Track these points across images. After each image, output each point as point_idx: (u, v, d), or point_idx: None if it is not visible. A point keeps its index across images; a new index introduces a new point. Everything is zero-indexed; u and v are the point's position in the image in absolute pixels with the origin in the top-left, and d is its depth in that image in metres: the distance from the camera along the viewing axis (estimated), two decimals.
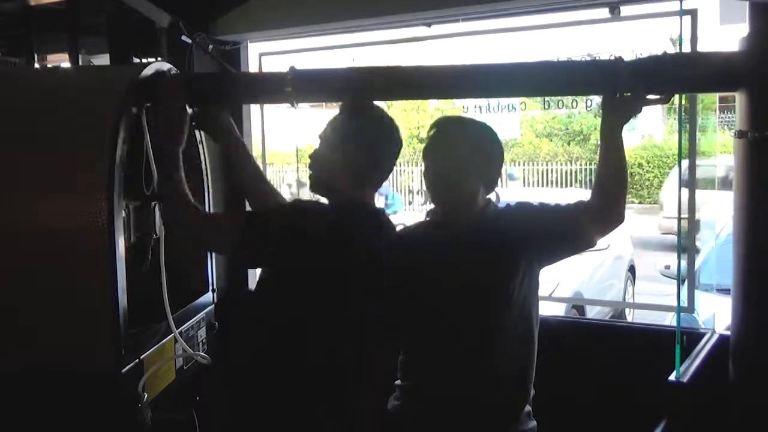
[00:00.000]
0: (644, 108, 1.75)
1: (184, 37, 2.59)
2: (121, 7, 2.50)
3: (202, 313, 2.33)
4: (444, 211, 1.85)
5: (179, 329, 2.10)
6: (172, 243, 2.14)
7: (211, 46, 2.69)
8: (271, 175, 13.65)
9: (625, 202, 1.77)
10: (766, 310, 1.79)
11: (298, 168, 4.66)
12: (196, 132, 2.32)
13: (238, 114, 3.21)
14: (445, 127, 1.86)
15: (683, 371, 1.83)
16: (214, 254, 2.42)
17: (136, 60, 2.63)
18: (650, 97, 1.73)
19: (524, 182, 12.86)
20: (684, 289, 2.48)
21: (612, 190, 1.74)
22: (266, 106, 3.27)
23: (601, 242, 6.01)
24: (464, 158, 1.78)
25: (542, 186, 12.74)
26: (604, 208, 1.75)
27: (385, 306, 1.75)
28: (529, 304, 1.81)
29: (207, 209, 2.39)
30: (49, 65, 3.30)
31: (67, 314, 1.82)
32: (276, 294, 1.70)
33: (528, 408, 1.84)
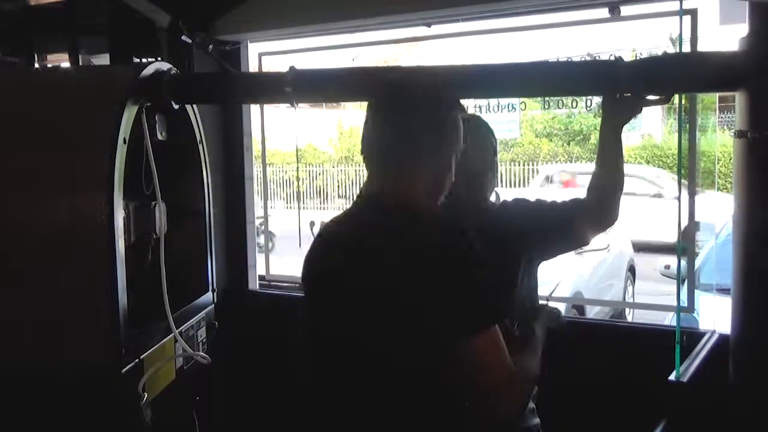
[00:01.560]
0: (644, 108, 1.75)
1: (184, 37, 2.58)
2: (121, 7, 2.50)
3: (202, 313, 2.33)
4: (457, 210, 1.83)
5: (179, 329, 2.10)
6: (172, 243, 2.14)
7: (211, 46, 2.69)
8: (271, 175, 13.66)
9: (620, 202, 1.77)
10: (766, 310, 1.79)
11: (297, 168, 4.66)
12: (196, 132, 2.33)
13: (238, 114, 3.22)
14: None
15: (683, 371, 1.83)
16: (213, 254, 2.42)
17: (136, 60, 2.62)
18: (650, 97, 1.74)
19: (524, 182, 12.86)
20: (684, 289, 2.48)
21: (608, 190, 1.74)
22: (266, 106, 3.27)
23: (601, 242, 5.98)
24: (482, 159, 1.78)
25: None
26: (600, 208, 1.75)
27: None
28: (531, 299, 1.81)
29: (207, 209, 2.40)
30: (49, 65, 3.30)
31: (67, 314, 1.82)
32: None
33: (532, 405, 1.84)
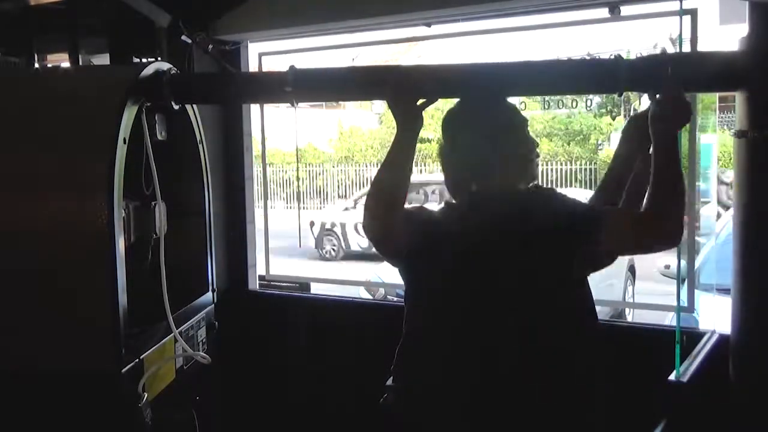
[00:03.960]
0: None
1: (184, 37, 2.59)
2: (121, 7, 2.50)
3: (202, 313, 2.33)
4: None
5: (179, 329, 2.10)
6: (172, 243, 2.14)
7: (211, 46, 2.69)
8: (271, 175, 13.66)
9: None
10: (766, 310, 1.79)
11: (297, 168, 4.66)
12: (196, 132, 2.33)
13: (238, 114, 3.21)
14: None
15: (683, 371, 1.83)
16: (213, 254, 2.42)
17: (136, 60, 2.62)
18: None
19: None
20: (684, 288, 2.48)
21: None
22: (266, 106, 3.27)
23: None
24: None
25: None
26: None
27: None
28: None
29: (207, 209, 2.39)
30: (49, 65, 3.30)
31: (67, 314, 1.82)
32: None
33: None
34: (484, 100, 1.77)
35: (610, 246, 1.61)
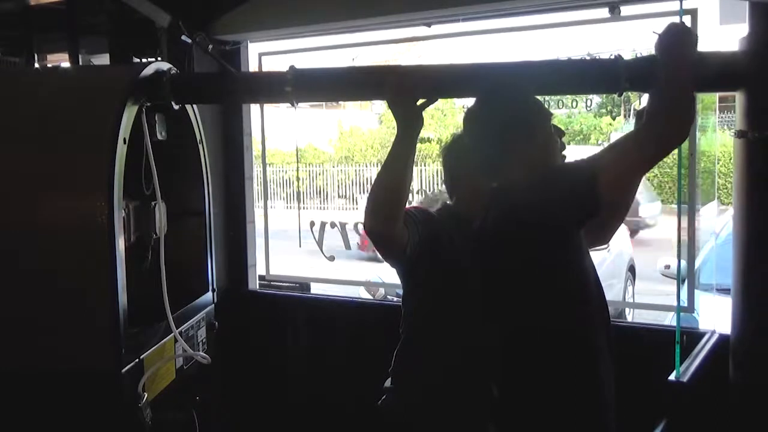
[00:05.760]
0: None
1: (184, 37, 2.58)
2: (121, 7, 2.50)
3: (202, 313, 2.33)
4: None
5: (179, 329, 2.10)
6: (172, 243, 2.14)
7: (211, 46, 2.68)
8: (271, 175, 13.65)
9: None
10: (766, 310, 1.79)
11: (297, 168, 4.66)
12: (196, 132, 2.33)
13: (238, 114, 3.22)
14: None
15: (683, 371, 1.83)
16: (213, 254, 2.42)
17: (136, 60, 2.62)
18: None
19: None
20: (684, 288, 2.48)
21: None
22: (266, 106, 3.27)
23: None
24: None
25: None
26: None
27: None
28: None
29: (207, 209, 2.39)
30: (49, 65, 3.30)
31: (67, 314, 1.82)
32: None
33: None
34: (505, 97, 1.69)
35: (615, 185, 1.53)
